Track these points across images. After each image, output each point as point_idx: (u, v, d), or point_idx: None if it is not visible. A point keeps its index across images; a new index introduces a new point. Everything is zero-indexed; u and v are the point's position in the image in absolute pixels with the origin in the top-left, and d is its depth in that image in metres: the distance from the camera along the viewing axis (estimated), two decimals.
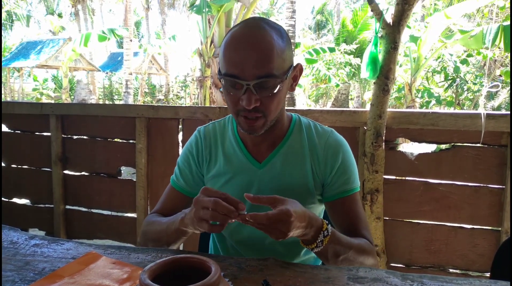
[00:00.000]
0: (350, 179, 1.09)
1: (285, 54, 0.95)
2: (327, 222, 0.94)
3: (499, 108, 9.44)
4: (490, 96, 9.85)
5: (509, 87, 9.07)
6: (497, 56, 8.77)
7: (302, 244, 0.95)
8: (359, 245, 1.01)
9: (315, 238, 0.92)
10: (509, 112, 1.97)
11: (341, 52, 12.09)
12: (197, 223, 0.86)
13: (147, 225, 1.14)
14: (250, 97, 0.92)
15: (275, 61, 0.92)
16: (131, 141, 2.60)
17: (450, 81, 9.23)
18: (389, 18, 2.05)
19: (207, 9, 5.81)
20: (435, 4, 9.70)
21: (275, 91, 0.94)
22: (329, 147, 1.10)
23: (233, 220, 0.84)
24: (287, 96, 1.09)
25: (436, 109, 8.94)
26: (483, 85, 9.00)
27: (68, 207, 2.84)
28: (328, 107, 14.16)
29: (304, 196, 1.09)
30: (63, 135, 2.76)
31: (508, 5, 6.58)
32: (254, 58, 0.91)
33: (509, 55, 7.65)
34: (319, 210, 1.17)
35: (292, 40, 7.72)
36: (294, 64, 1.02)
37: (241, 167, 1.11)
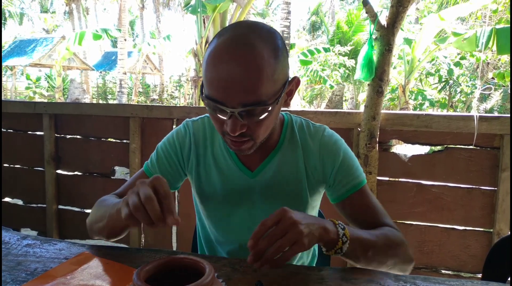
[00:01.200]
0: (355, 174, 1.02)
1: (277, 74, 0.83)
2: (342, 238, 0.83)
3: (491, 110, 9.53)
4: (483, 98, 9.94)
5: (502, 90, 9.16)
6: (490, 59, 8.85)
7: (325, 251, 0.85)
8: (383, 235, 0.92)
9: (337, 234, 0.82)
10: (501, 115, 1.99)
11: (336, 54, 12.14)
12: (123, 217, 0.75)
13: (95, 205, 1.04)
14: (235, 123, 0.82)
15: (264, 86, 0.80)
16: (124, 141, 2.59)
17: (444, 83, 9.31)
18: (383, 20, 2.06)
19: (202, 9, 5.81)
20: (428, 7, 9.77)
21: (263, 117, 0.84)
22: (323, 147, 1.03)
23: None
24: None
25: (430, 111, 9.00)
26: (476, 88, 9.08)
27: (61, 207, 2.82)
28: (322, 108, 14.20)
29: (298, 203, 1.04)
30: (56, 135, 2.74)
31: (501, 8, 6.64)
32: (239, 83, 0.78)
33: (501, 58, 7.72)
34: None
35: (286, 41, 7.73)
36: (290, 78, 0.91)
37: (232, 176, 1.05)
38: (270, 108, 0.83)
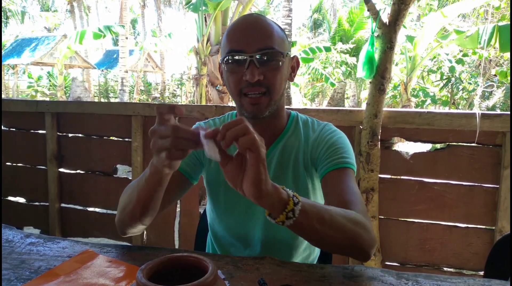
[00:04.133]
0: (341, 155, 1.04)
1: (283, 38, 1.02)
2: (293, 198, 0.76)
3: (493, 107, 9.50)
4: (485, 96, 9.91)
5: (504, 87, 9.13)
6: (492, 56, 8.81)
7: (273, 218, 0.77)
8: (344, 211, 0.87)
9: (287, 195, 0.76)
10: (503, 113, 1.98)
11: (337, 51, 12.12)
12: (156, 155, 0.75)
13: (121, 196, 1.03)
14: (253, 70, 0.95)
15: (275, 38, 0.98)
16: (127, 139, 2.59)
17: (446, 81, 9.28)
18: (385, 17, 2.06)
19: (203, 7, 5.79)
20: (430, 4, 9.73)
21: (277, 66, 0.98)
22: (321, 135, 1.10)
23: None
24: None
25: (432, 108, 8.98)
26: (478, 85, 9.05)
27: (63, 205, 2.83)
28: (324, 106, 14.19)
29: (297, 184, 1.10)
30: (58, 133, 2.75)
31: (503, 5, 6.61)
32: (255, 33, 0.97)
33: (503, 55, 7.70)
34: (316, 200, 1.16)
35: (288, 39, 7.72)
36: (291, 56, 1.07)
37: None
38: (282, 58, 0.98)
